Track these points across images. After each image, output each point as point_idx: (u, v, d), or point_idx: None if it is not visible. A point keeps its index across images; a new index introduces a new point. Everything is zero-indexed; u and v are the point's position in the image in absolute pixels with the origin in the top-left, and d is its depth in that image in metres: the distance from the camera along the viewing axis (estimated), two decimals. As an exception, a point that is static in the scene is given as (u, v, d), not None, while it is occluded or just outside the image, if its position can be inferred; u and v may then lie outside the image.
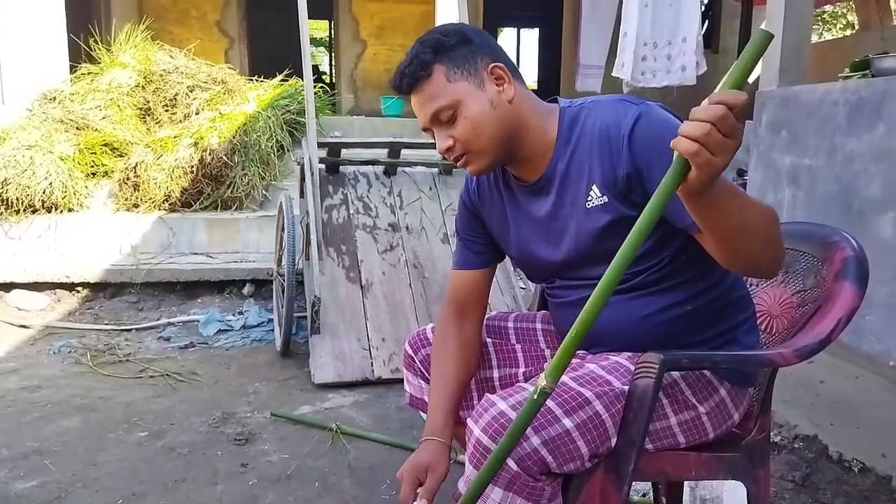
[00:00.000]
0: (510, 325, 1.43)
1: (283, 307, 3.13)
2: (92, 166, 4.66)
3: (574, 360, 1.16)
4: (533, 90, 1.23)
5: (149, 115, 5.11)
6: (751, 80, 0.85)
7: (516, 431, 0.96)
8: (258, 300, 4.03)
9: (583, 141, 1.15)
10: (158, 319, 3.76)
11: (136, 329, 3.63)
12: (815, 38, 8.77)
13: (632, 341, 1.18)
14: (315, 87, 4.55)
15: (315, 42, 13.99)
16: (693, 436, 1.17)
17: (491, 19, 9.37)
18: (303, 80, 3.51)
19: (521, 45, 12.92)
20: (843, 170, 2.67)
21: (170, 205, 4.53)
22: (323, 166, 3.42)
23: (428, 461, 1.19)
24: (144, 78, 5.17)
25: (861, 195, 2.59)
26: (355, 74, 9.44)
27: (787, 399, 2.25)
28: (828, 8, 10.56)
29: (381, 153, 3.56)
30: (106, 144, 4.77)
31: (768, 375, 1.23)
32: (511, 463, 1.01)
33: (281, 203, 3.29)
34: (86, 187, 4.55)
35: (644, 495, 1.87)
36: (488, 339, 1.40)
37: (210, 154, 4.58)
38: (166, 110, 5.09)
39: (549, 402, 1.03)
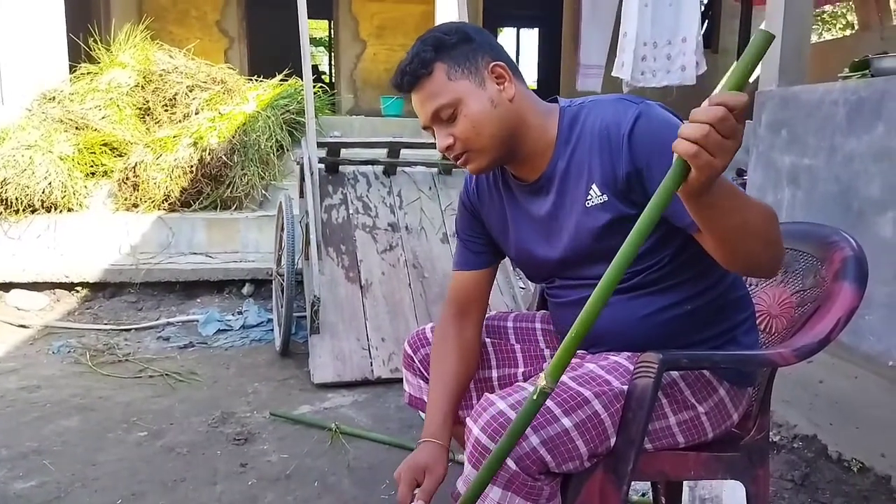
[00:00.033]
0: (509, 324, 1.43)
1: (282, 307, 3.13)
2: (91, 166, 4.67)
3: (573, 360, 1.16)
4: (533, 90, 1.22)
5: (148, 114, 5.11)
6: (751, 80, 0.85)
7: (516, 431, 0.95)
8: (257, 300, 4.03)
9: (583, 140, 1.15)
10: (158, 319, 3.76)
11: (136, 329, 3.63)
12: (814, 38, 8.78)
13: (631, 341, 1.18)
14: (315, 86, 4.56)
15: (315, 42, 14.00)
16: (692, 435, 1.17)
17: (491, 19, 9.36)
18: (302, 79, 3.50)
19: (521, 44, 12.92)
20: (843, 170, 2.68)
21: (169, 205, 4.53)
22: (322, 166, 3.41)
23: (426, 462, 1.19)
24: (144, 78, 5.17)
25: (860, 195, 2.59)
26: (355, 74, 9.44)
27: (786, 399, 2.25)
28: (828, 8, 10.57)
29: (381, 153, 3.55)
30: (105, 144, 4.77)
31: (767, 375, 1.23)
32: (510, 462, 1.01)
33: (280, 203, 3.29)
34: (85, 187, 4.55)
35: (643, 495, 1.87)
36: (487, 339, 1.39)
37: (209, 154, 4.58)
38: (166, 110, 5.09)
39: (548, 402, 1.03)
